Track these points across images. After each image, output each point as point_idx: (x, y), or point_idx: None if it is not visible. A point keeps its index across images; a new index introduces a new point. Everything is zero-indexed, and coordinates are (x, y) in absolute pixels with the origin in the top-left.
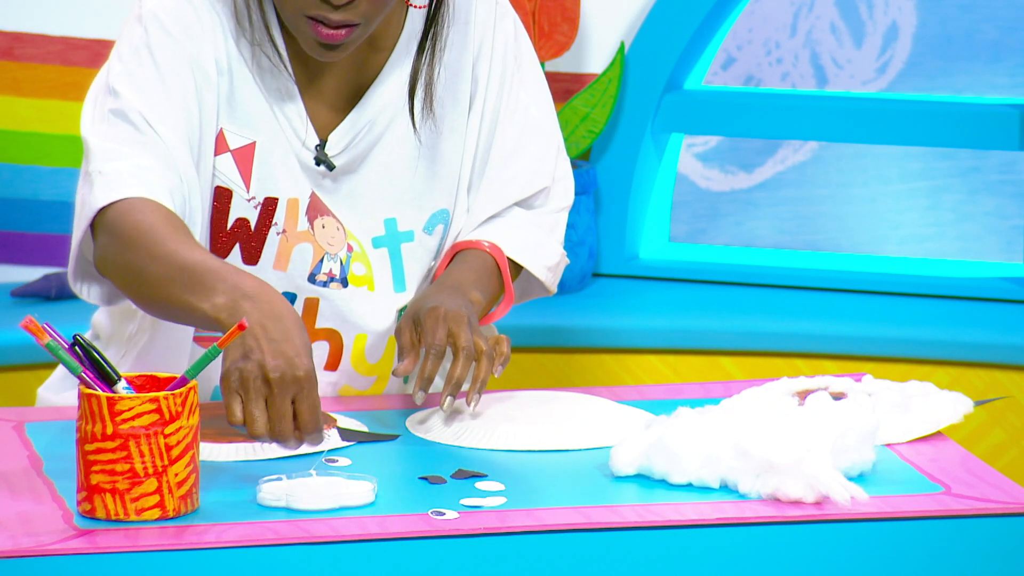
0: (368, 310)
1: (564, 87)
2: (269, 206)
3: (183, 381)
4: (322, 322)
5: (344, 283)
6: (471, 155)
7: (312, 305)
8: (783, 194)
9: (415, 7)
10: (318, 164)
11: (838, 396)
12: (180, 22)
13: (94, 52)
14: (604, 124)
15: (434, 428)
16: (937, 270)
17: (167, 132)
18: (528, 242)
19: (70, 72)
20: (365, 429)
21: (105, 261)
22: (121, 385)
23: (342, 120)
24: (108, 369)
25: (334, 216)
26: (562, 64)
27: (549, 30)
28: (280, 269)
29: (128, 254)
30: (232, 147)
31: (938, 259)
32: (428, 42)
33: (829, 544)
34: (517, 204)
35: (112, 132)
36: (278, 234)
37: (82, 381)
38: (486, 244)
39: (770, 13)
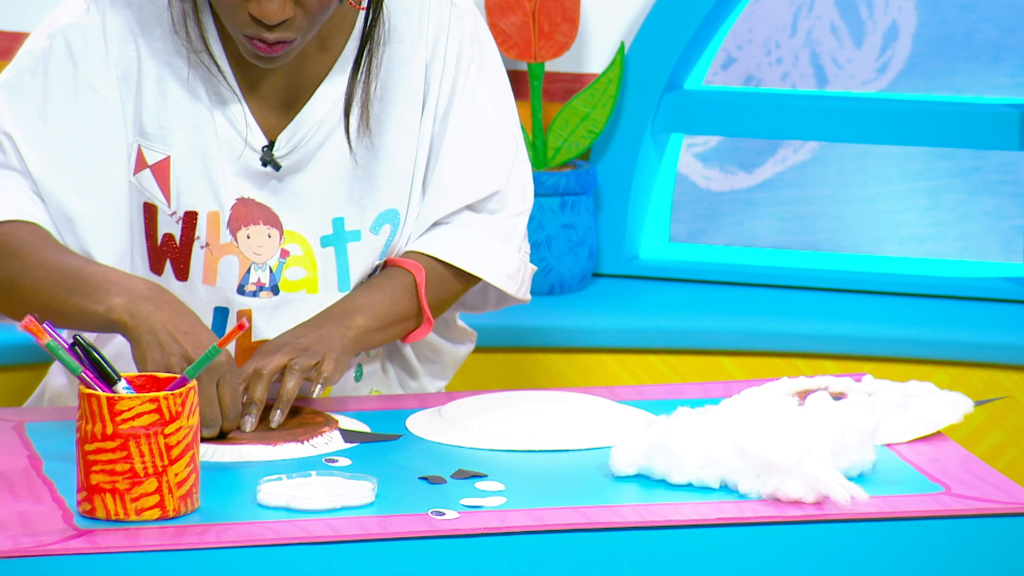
0: (305, 315)
1: (564, 87)
2: (190, 220)
3: (183, 381)
4: (258, 334)
5: (275, 291)
6: (424, 154)
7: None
8: (783, 194)
9: (361, 8)
10: (265, 165)
11: (838, 396)
12: (87, 47)
13: None
14: (604, 124)
15: (435, 428)
16: (937, 270)
17: (32, 155)
18: (481, 252)
19: None
20: (367, 430)
21: None
22: (121, 385)
23: (287, 119)
24: (108, 369)
25: (267, 222)
26: (562, 64)
27: (549, 30)
28: (209, 283)
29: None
30: (150, 163)
31: (938, 259)
32: (363, 60)
33: (829, 544)
34: (469, 208)
35: None
36: (202, 248)
37: (82, 381)
38: (411, 263)
39: (770, 13)
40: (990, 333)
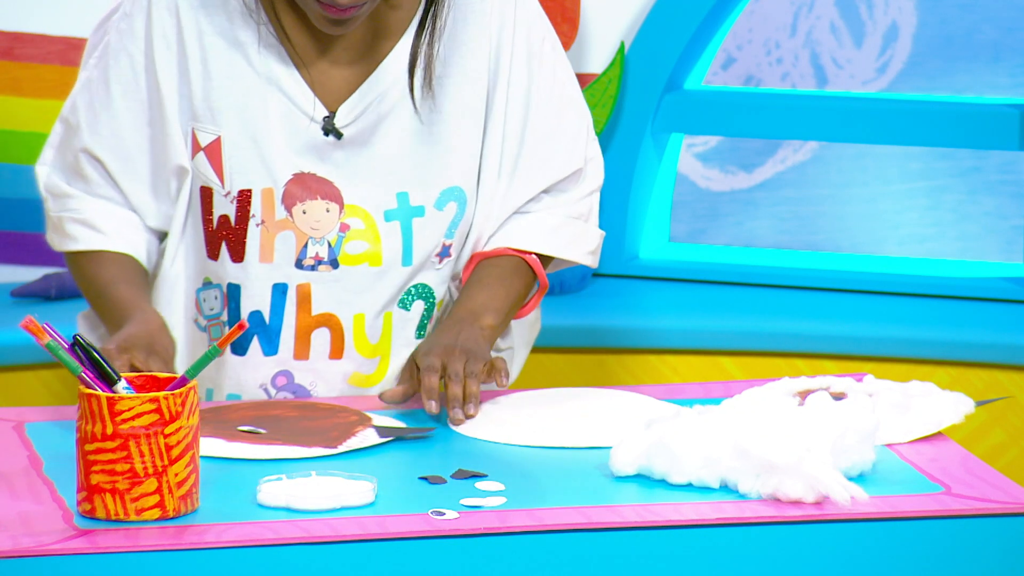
0: (365, 288)
1: None
2: (244, 198)
3: (183, 381)
4: (317, 307)
5: (334, 264)
6: (498, 136)
7: (305, 292)
8: (783, 194)
9: None
10: (327, 134)
11: (838, 396)
12: (135, 32)
13: None
14: (604, 124)
15: (465, 423)
16: (937, 270)
17: (120, 170)
18: (570, 238)
19: (70, 72)
20: (402, 425)
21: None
22: (121, 385)
23: (353, 79)
24: (108, 369)
25: (325, 196)
26: None
27: None
28: (266, 262)
29: (86, 294)
30: (203, 144)
31: (938, 259)
32: (428, 22)
33: (829, 544)
34: (546, 192)
35: (67, 174)
36: (257, 226)
37: (82, 381)
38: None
39: (770, 13)
40: (990, 333)
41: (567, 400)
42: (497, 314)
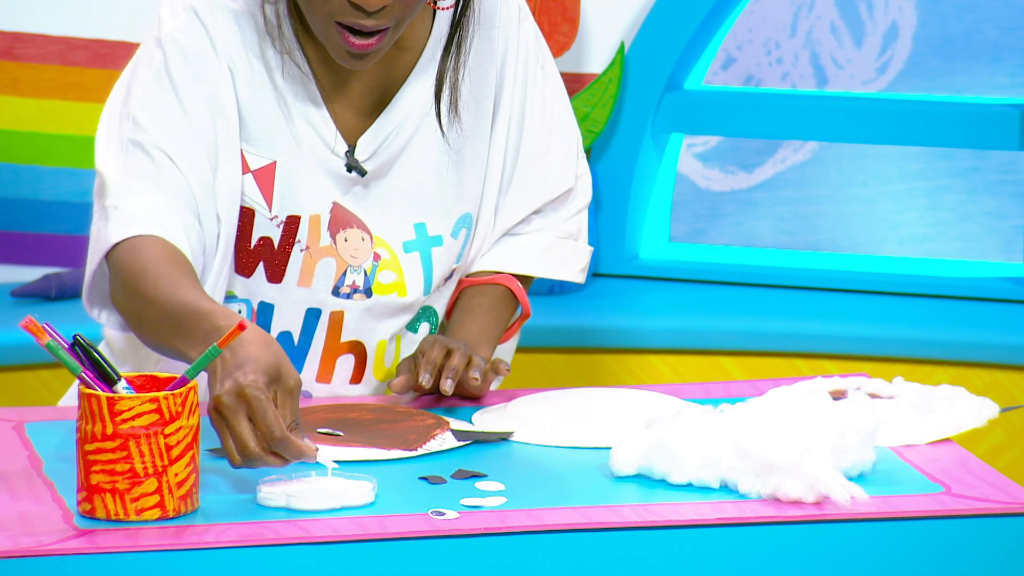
0: (390, 316)
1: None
2: (292, 224)
3: (183, 381)
4: (347, 335)
5: (368, 293)
6: (499, 158)
7: (337, 319)
8: (783, 194)
9: (441, 9)
10: (350, 171)
11: (838, 396)
12: (198, 48)
13: (94, 52)
14: (604, 124)
15: (503, 424)
16: (937, 270)
17: (186, 166)
18: (561, 257)
19: (70, 72)
20: (479, 429)
21: (115, 299)
22: (121, 385)
23: (369, 125)
24: (108, 369)
25: (359, 227)
26: (562, 64)
27: (549, 30)
28: (304, 286)
29: (128, 296)
30: (253, 168)
31: (938, 259)
32: (453, 45)
33: (829, 544)
34: (536, 212)
35: (130, 165)
36: (301, 251)
37: (82, 381)
38: (501, 278)
39: (770, 13)
40: (990, 333)
41: (576, 400)
42: (491, 345)
